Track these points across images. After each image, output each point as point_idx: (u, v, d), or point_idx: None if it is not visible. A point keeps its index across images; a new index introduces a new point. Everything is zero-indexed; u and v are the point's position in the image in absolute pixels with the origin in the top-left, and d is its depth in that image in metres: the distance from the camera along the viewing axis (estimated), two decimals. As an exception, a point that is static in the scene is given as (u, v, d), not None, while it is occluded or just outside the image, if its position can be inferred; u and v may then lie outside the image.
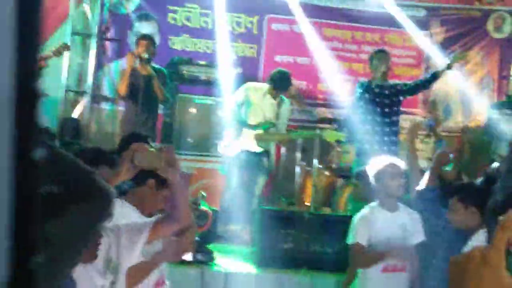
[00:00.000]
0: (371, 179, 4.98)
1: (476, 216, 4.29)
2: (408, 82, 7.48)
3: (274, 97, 7.61)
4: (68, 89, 8.87)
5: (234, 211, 7.60)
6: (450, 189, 4.70)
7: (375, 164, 5.00)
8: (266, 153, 7.63)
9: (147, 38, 7.67)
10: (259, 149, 7.56)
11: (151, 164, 2.97)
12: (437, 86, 7.50)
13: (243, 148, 7.51)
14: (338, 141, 7.98)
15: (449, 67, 7.10)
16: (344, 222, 6.07)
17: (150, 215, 3.46)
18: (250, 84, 7.76)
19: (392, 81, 7.35)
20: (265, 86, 7.69)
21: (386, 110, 7.08)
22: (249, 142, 7.52)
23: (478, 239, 3.90)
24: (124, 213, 3.45)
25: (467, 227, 4.31)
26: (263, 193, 8.30)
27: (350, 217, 5.75)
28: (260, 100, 7.58)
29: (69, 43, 8.64)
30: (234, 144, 7.52)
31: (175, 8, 9.23)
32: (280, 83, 7.54)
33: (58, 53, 7.19)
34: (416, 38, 9.37)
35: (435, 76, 7.22)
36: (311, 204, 7.77)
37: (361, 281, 4.89)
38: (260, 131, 7.55)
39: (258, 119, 7.57)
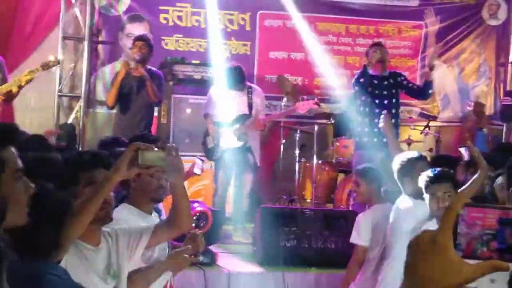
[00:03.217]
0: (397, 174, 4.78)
1: None
2: (411, 83, 7.37)
3: (241, 89, 7.54)
4: (62, 94, 8.79)
5: (231, 211, 7.57)
6: None
7: (403, 157, 4.85)
8: (248, 148, 7.55)
9: (143, 39, 7.57)
10: (240, 144, 7.49)
11: (155, 164, 2.91)
12: (434, 76, 7.43)
13: (226, 146, 7.46)
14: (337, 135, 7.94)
15: (431, 68, 7.12)
16: (346, 218, 6.03)
17: None
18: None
19: (390, 72, 7.27)
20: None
21: (385, 101, 7.02)
22: (230, 139, 7.47)
23: None
24: (124, 217, 3.39)
25: None
26: (263, 191, 8.26)
27: (352, 212, 5.70)
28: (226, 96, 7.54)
29: (60, 48, 8.59)
30: (218, 143, 7.48)
31: (167, 8, 9.15)
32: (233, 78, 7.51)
33: (47, 67, 7.09)
34: (411, 29, 9.31)
35: (429, 86, 7.20)
36: (312, 201, 7.73)
37: None
38: (237, 126, 7.49)
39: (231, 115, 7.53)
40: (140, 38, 7.63)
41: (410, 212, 4.52)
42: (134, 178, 3.42)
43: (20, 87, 6.84)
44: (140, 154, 2.82)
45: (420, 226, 4.12)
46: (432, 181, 4.17)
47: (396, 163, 4.74)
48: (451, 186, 4.18)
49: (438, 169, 4.29)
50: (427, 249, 1.24)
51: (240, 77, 7.49)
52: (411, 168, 4.62)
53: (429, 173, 4.24)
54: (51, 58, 7.21)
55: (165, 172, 3.44)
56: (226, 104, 7.52)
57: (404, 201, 4.65)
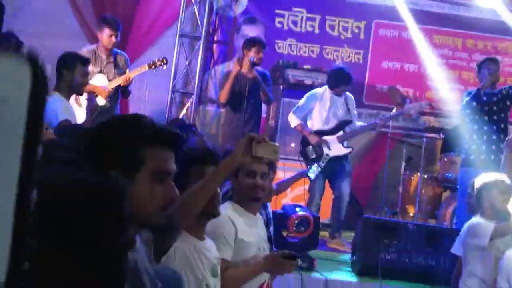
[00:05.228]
0: (475, 192, 4.96)
1: None
2: None
3: (338, 94, 7.48)
4: (175, 90, 9.01)
5: (333, 218, 7.53)
6: None
7: (484, 177, 4.94)
8: (346, 155, 7.50)
9: (260, 43, 7.62)
10: (346, 152, 7.45)
11: (267, 156, 2.94)
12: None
13: (330, 154, 7.41)
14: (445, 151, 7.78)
15: None
16: (449, 235, 5.91)
17: None
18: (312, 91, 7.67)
19: (500, 88, 7.08)
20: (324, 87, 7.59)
21: (494, 117, 6.85)
22: (334, 147, 7.42)
23: None
24: (228, 214, 3.45)
25: None
26: (363, 200, 8.18)
27: (455, 230, 5.61)
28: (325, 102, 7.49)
29: (176, 45, 8.81)
30: (322, 153, 7.43)
31: (283, 12, 9.22)
32: (339, 79, 7.43)
33: (154, 66, 7.34)
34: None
35: None
36: (415, 215, 7.61)
37: None
38: (341, 133, 7.44)
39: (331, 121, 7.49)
40: (258, 42, 7.66)
41: (483, 229, 4.78)
42: (232, 178, 3.49)
43: (128, 81, 7.13)
44: (254, 145, 2.84)
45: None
46: None
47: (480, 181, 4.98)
48: None
49: None
50: None
51: (347, 79, 7.45)
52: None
53: None
54: (160, 58, 7.45)
55: (267, 174, 3.51)
56: (325, 108, 7.49)
57: (477, 219, 4.92)
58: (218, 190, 3.00)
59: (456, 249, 5.19)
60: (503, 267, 4.46)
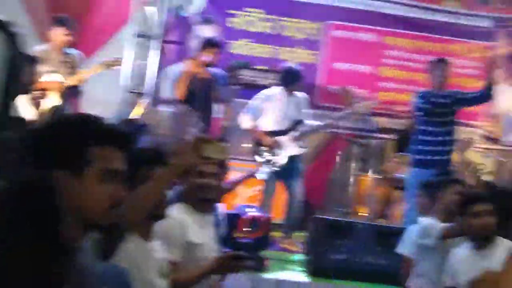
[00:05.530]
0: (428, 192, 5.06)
1: None
2: (466, 92, 7.28)
3: (290, 95, 7.52)
4: (128, 90, 8.94)
5: (286, 218, 7.55)
6: None
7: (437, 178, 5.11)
8: (299, 155, 7.54)
9: (216, 45, 7.60)
10: (300, 152, 7.48)
11: (215, 156, 2.93)
12: (500, 99, 7.31)
13: (284, 155, 7.44)
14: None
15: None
16: (400, 235, 5.97)
17: None
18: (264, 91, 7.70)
19: (449, 90, 7.19)
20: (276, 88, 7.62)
21: (444, 118, 6.95)
22: (288, 148, 7.45)
23: None
24: (177, 216, 3.44)
25: None
26: (315, 201, 8.23)
27: (405, 229, 5.66)
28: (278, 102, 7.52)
29: (130, 45, 8.74)
30: (275, 153, 7.46)
31: (236, 12, 9.22)
32: (290, 79, 7.48)
33: (108, 66, 7.31)
34: (481, 49, 9.16)
35: (488, 88, 6.97)
36: (366, 215, 7.68)
37: None
38: (295, 133, 7.48)
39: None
40: (215, 44, 7.63)
41: (433, 229, 4.84)
42: (182, 179, 3.48)
43: (81, 81, 7.09)
44: (202, 145, 2.83)
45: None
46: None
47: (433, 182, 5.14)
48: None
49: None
50: None
51: (298, 78, 7.48)
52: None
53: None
54: (113, 58, 7.40)
55: (215, 174, 3.51)
56: (277, 109, 7.51)
57: (428, 219, 4.98)
58: (167, 191, 2.99)
59: (402, 248, 5.26)
60: (449, 265, 4.52)
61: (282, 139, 7.46)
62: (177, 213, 3.46)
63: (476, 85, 9.36)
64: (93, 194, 1.92)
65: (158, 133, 7.79)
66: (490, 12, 9.55)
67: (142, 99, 8.92)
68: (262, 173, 6.13)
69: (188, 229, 3.45)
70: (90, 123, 1.99)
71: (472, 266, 4.23)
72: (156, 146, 4.50)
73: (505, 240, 4.34)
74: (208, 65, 7.45)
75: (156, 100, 8.99)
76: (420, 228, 5.01)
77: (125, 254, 2.78)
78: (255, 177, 6.21)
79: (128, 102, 8.95)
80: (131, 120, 8.35)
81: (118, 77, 8.65)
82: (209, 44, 7.58)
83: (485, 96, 6.93)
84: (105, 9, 8.93)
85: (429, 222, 4.96)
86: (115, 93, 8.77)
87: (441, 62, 7.23)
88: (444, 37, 9.46)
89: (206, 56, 7.45)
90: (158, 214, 2.96)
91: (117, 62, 7.38)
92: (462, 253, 4.44)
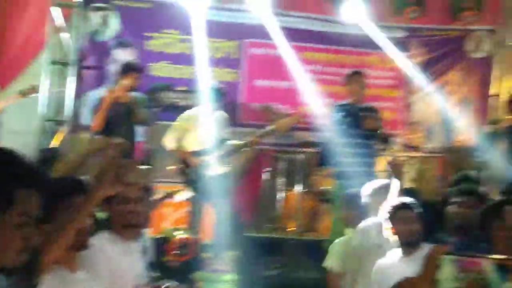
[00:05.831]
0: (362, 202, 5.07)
1: None
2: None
3: (212, 114, 7.53)
4: (47, 119, 8.76)
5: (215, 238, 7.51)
6: None
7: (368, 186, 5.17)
8: (226, 174, 7.52)
9: (137, 69, 7.54)
10: (226, 170, 7.46)
11: (138, 181, 2.89)
12: (418, 107, 7.48)
13: (210, 173, 7.41)
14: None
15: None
16: (328, 247, 6.01)
17: None
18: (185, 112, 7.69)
19: (367, 104, 7.32)
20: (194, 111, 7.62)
21: (363, 130, 7.06)
22: (214, 167, 7.43)
23: None
24: (100, 245, 3.37)
25: None
26: (245, 219, 8.20)
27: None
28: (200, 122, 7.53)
29: (46, 73, 8.58)
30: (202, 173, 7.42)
31: (153, 34, 9.17)
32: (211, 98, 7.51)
33: (24, 94, 7.18)
34: (396, 60, 9.37)
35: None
36: (294, 230, 7.71)
37: None
38: (220, 152, 7.46)
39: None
40: (135, 68, 7.56)
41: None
42: (105, 206, 3.41)
43: None
44: (124, 171, 2.77)
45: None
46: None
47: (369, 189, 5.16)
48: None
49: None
50: None
51: (219, 97, 7.49)
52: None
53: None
54: (29, 86, 7.27)
55: (139, 199, 3.45)
56: (200, 129, 7.48)
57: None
58: (88, 220, 2.93)
59: (329, 262, 5.25)
60: (374, 276, 4.57)
61: (206, 158, 7.43)
62: (100, 241, 3.38)
63: (392, 95, 9.61)
64: (7, 238, 1.86)
65: (76, 160, 7.64)
66: (403, 23, 9.77)
67: (62, 127, 8.76)
68: (188, 194, 6.07)
69: (111, 257, 3.38)
70: (15, 163, 1.92)
71: (397, 272, 4.29)
72: (74, 175, 4.42)
73: (431, 245, 4.41)
74: (129, 89, 7.37)
75: (76, 127, 8.84)
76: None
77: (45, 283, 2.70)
78: (171, 198, 6.12)
79: (46, 131, 8.77)
80: (50, 149, 8.18)
81: (36, 106, 8.47)
82: (129, 68, 7.52)
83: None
84: (20, 36, 8.74)
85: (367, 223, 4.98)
86: (34, 123, 8.58)
87: (357, 74, 7.36)
88: (358, 49, 9.63)
89: (127, 81, 7.39)
90: (81, 243, 2.90)
91: (33, 90, 7.23)
92: (390, 260, 4.49)
